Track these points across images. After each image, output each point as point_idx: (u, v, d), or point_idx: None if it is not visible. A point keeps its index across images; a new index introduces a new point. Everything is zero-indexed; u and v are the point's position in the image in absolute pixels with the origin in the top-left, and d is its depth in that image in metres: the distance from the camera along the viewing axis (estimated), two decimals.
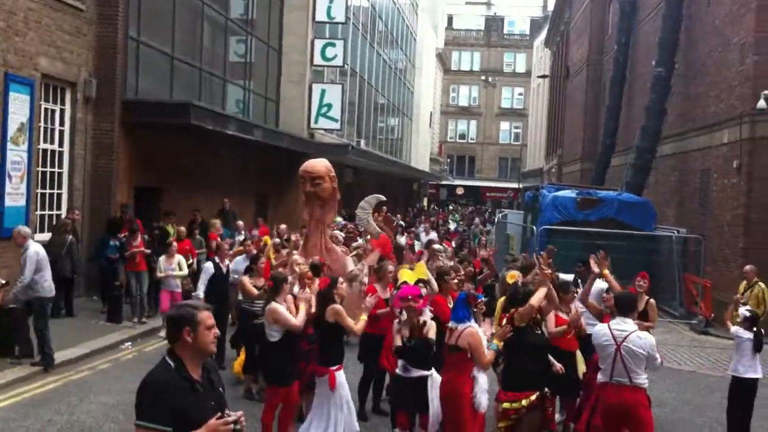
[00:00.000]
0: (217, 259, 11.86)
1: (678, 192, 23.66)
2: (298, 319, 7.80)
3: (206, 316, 4.05)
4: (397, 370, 7.81)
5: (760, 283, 14.09)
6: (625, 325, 7.00)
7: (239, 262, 12.19)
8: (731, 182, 18.79)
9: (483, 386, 7.04)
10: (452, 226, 35.83)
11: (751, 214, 17.84)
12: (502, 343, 7.05)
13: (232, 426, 3.80)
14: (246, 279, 10.37)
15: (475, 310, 7.26)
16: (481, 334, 7.12)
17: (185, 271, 13.61)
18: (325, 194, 11.76)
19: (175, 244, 13.83)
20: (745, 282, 14.27)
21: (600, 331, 7.18)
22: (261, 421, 7.87)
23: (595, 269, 8.63)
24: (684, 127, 23.05)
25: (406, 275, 9.19)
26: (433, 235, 23.86)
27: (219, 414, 3.85)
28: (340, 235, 14.67)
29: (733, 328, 9.15)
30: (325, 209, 11.86)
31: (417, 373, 7.61)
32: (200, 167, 19.33)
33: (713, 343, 16.14)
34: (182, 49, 18.97)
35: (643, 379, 6.93)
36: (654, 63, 24.44)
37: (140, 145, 16.54)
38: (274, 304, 7.86)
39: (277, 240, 14.32)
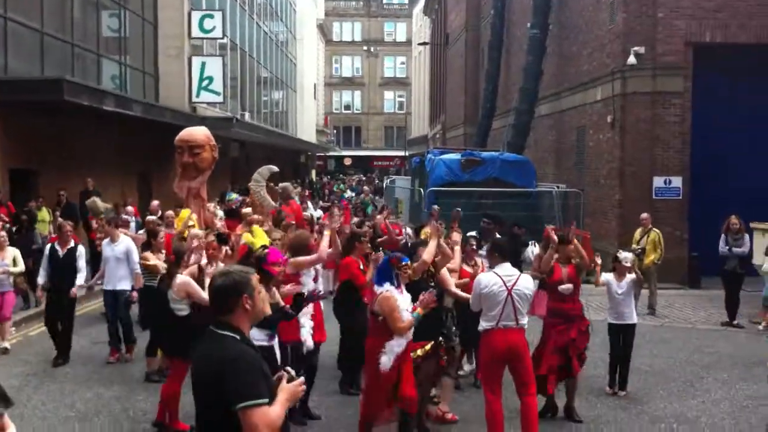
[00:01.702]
0: (56, 244, 10.90)
1: (556, 150, 24.50)
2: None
3: (257, 279, 3.83)
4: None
5: (655, 229, 14.94)
6: (510, 270, 7.30)
7: (107, 246, 10.91)
8: (606, 137, 19.60)
9: (392, 348, 6.77)
10: (348, 194, 35.90)
11: (625, 167, 18.66)
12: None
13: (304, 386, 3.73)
14: (149, 254, 10.15)
15: (397, 272, 6.98)
16: (399, 298, 6.83)
17: (21, 267, 11.52)
18: (204, 164, 11.33)
19: (3, 234, 11.48)
20: (641, 228, 15.08)
21: (489, 279, 7.31)
22: (165, 393, 7.73)
23: (554, 238, 8.48)
24: (560, 87, 23.83)
25: (248, 238, 9.42)
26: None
27: (278, 376, 3.72)
28: (218, 211, 14.26)
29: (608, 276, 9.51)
30: (202, 182, 11.39)
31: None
32: (78, 146, 18.72)
33: (589, 289, 16.84)
34: (52, 24, 18.23)
35: (526, 320, 7.27)
36: (529, 25, 25.11)
37: (13, 126, 15.87)
38: (185, 277, 7.75)
39: (152, 217, 13.32)
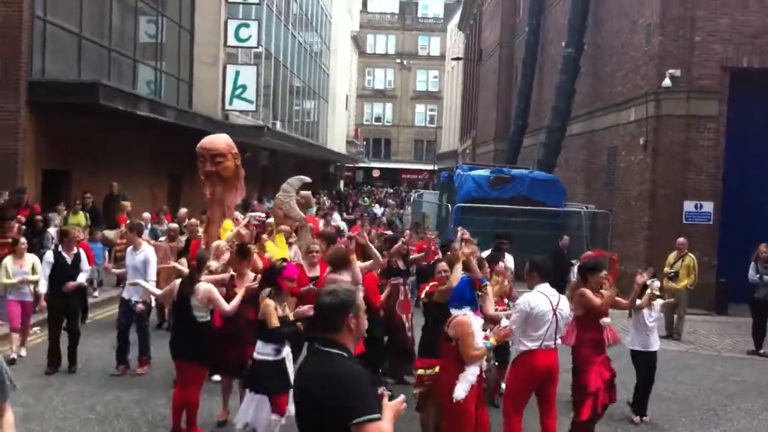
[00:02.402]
0: (61, 248, 10.53)
1: (587, 169, 24.35)
2: (231, 305, 7.71)
3: (360, 297, 3.93)
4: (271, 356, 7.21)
5: (690, 254, 14.83)
6: (551, 290, 7.27)
7: (129, 254, 10.60)
8: (637, 158, 19.44)
9: (467, 377, 6.49)
10: (376, 209, 35.54)
11: (656, 189, 18.48)
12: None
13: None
14: (184, 261, 10.07)
15: (479, 294, 6.85)
16: (475, 323, 6.57)
17: (39, 275, 10.97)
18: (227, 173, 10.94)
19: (23, 241, 11.21)
20: (676, 252, 14.96)
21: (537, 299, 7.18)
22: (180, 399, 7.75)
23: (638, 280, 8.53)
24: (592, 106, 23.70)
25: (272, 248, 9.43)
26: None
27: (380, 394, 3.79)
28: (240, 216, 14.18)
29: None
30: (226, 190, 11.07)
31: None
32: (110, 149, 18.93)
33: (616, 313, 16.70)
34: (90, 28, 18.48)
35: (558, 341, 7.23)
36: (563, 44, 25.03)
37: (48, 127, 16.09)
38: (208, 285, 7.80)
39: (174, 225, 13.49)
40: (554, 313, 7.10)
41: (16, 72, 15.20)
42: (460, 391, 6.42)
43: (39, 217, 14.04)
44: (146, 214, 16.19)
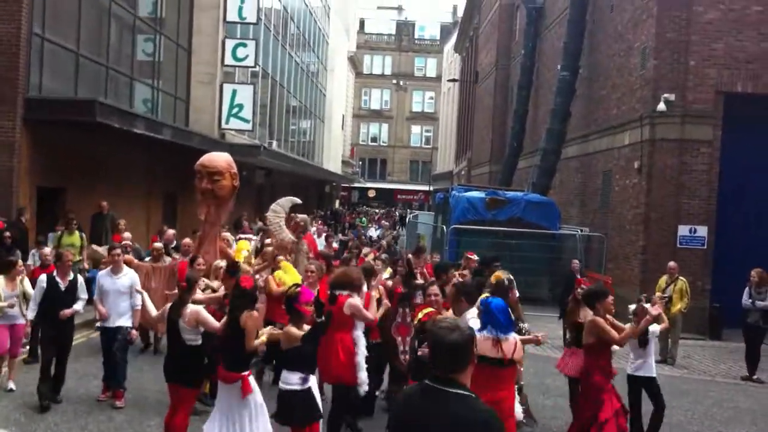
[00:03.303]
0: (55, 273, 9.60)
1: (582, 192, 24.42)
2: (220, 324, 7.60)
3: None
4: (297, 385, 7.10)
5: (682, 278, 14.88)
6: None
7: (103, 276, 9.88)
8: (632, 182, 19.51)
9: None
10: (373, 232, 35.19)
11: (650, 212, 18.54)
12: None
13: None
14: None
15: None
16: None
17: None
18: (223, 192, 10.85)
19: (19, 262, 10.48)
20: (666, 276, 15.03)
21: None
22: (172, 425, 7.60)
23: (653, 312, 8.47)
24: (587, 129, 23.81)
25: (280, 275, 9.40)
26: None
27: None
28: (230, 237, 13.72)
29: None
30: (220, 209, 10.99)
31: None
32: (107, 167, 18.92)
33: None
34: (88, 46, 18.53)
35: None
36: (559, 67, 25.18)
37: (44, 144, 16.08)
38: (196, 306, 7.72)
39: (158, 245, 12.87)
40: None
41: (12, 88, 15.20)
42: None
43: (7, 234, 13.11)
44: (171, 231, 15.52)
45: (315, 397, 7.13)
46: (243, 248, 10.77)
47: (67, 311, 9.51)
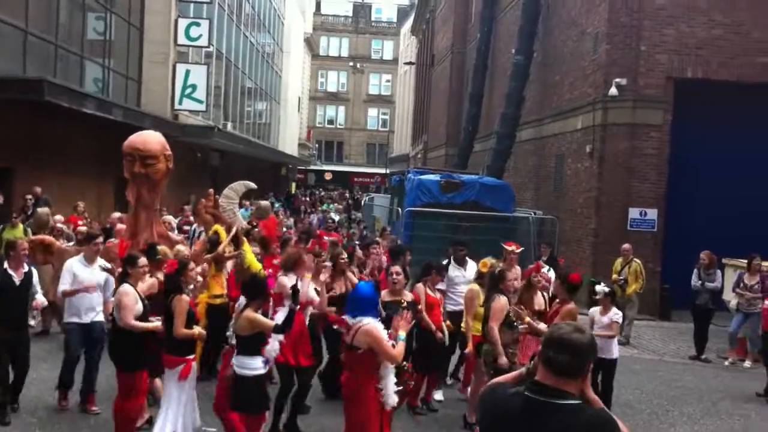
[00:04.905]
0: (6, 265, 8.31)
1: (535, 175, 24.63)
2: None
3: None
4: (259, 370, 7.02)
5: (636, 260, 15.10)
6: None
7: (76, 265, 8.84)
8: (584, 166, 19.72)
9: (388, 384, 6.37)
10: (334, 216, 34.18)
11: (601, 196, 18.78)
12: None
13: None
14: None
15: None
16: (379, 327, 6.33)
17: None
18: (158, 176, 10.40)
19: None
20: (621, 259, 15.26)
21: None
22: (123, 408, 7.39)
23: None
24: (541, 113, 23.99)
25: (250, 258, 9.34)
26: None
27: None
28: (173, 220, 13.42)
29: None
30: (153, 192, 10.54)
31: None
32: (57, 148, 18.57)
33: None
34: (37, 24, 18.12)
35: None
36: (513, 51, 25.30)
37: None
38: (127, 287, 7.56)
39: (83, 228, 11.92)
40: None
41: None
42: (393, 400, 6.31)
43: None
44: (116, 214, 14.77)
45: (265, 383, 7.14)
46: (221, 233, 10.35)
47: (39, 302, 8.77)
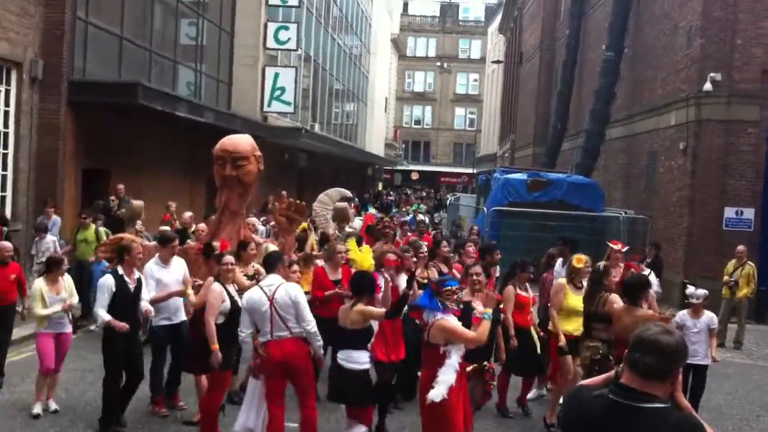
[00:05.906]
0: (121, 270, 8.05)
1: (626, 174, 24.09)
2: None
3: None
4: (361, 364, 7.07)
5: (750, 263, 14.65)
6: (271, 279, 7.23)
7: (156, 268, 8.71)
8: (677, 164, 19.19)
9: (445, 377, 6.23)
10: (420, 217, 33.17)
11: (695, 194, 18.24)
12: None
13: None
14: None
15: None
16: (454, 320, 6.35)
17: (76, 298, 9.04)
18: (249, 178, 10.11)
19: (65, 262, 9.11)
20: (735, 260, 14.78)
21: (252, 294, 7.17)
22: (209, 407, 7.61)
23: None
24: (632, 110, 23.45)
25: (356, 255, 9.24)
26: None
27: None
28: (257, 221, 13.29)
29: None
30: (244, 198, 10.27)
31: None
32: (150, 150, 19.17)
33: None
34: (132, 30, 18.76)
35: (298, 330, 7.09)
36: (604, 47, 24.82)
37: (88, 127, 16.34)
38: (215, 284, 7.73)
39: (165, 227, 12.21)
40: (271, 304, 6.99)
41: (57, 72, 15.44)
42: (437, 393, 6.17)
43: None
44: (188, 214, 14.90)
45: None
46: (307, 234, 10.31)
47: (147, 309, 8.20)
